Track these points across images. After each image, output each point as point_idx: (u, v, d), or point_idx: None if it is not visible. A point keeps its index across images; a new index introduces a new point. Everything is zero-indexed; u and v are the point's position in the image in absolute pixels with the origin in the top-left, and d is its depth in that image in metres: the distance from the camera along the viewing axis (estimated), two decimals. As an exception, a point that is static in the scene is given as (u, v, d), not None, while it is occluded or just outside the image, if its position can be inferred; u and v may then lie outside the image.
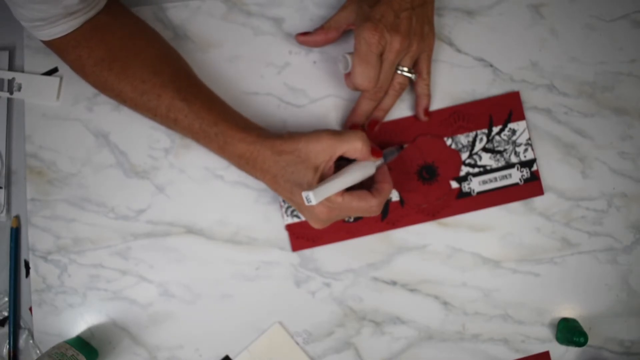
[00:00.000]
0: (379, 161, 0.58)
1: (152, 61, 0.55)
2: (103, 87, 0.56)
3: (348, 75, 0.58)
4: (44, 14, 0.50)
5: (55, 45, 0.54)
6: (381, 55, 0.55)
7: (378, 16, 0.54)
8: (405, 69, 0.58)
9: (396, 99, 0.60)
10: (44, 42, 0.54)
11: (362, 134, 0.54)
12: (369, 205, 0.54)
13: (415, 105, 0.62)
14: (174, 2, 0.64)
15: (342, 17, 0.60)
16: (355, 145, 0.53)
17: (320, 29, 0.61)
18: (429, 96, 0.61)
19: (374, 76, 0.56)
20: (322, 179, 0.53)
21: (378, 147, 0.57)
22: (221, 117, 0.55)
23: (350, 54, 0.58)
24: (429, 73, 0.60)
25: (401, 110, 0.63)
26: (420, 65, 0.60)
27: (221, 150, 0.55)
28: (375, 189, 0.56)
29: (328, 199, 0.53)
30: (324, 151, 0.53)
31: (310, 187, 0.52)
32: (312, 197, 0.49)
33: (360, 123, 0.61)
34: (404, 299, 0.62)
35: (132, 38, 0.56)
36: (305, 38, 0.62)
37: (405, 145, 0.62)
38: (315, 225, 0.56)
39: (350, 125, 0.61)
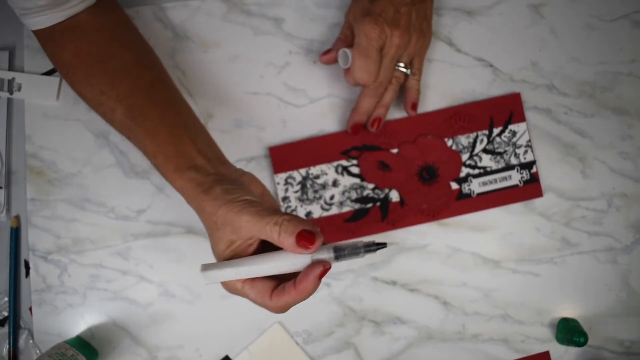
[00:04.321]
0: (321, 255, 0.43)
1: (114, 72, 0.53)
2: (70, 85, 0.54)
3: (348, 71, 0.58)
4: (30, 3, 0.49)
5: (38, 36, 0.53)
6: (381, 50, 0.55)
7: (378, 11, 0.54)
8: (402, 64, 0.58)
9: (395, 94, 0.60)
10: (32, 31, 0.53)
11: (285, 220, 0.42)
12: (264, 305, 0.45)
13: (405, 99, 0.62)
14: (173, 2, 0.64)
15: (346, 28, 0.61)
16: (271, 236, 0.42)
17: (334, 46, 0.61)
18: (418, 91, 0.61)
19: (375, 70, 0.55)
20: (237, 256, 0.46)
21: (317, 235, 0.42)
22: (161, 150, 0.50)
23: (349, 48, 0.57)
24: (421, 69, 0.60)
25: (401, 110, 0.63)
26: (415, 61, 0.60)
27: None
28: (281, 289, 0.44)
29: (229, 286, 0.46)
30: (241, 230, 0.44)
31: (209, 265, 0.45)
32: (202, 277, 0.44)
33: (362, 122, 0.61)
34: (404, 299, 0.62)
35: (102, 45, 0.53)
36: (327, 57, 0.61)
37: (387, 244, 0.44)
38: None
39: (352, 125, 0.61)
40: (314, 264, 0.42)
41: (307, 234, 0.42)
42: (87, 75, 0.52)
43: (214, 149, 0.52)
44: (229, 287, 0.45)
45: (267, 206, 0.44)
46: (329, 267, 0.43)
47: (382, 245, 0.43)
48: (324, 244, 0.43)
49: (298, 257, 0.43)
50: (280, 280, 0.45)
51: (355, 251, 0.43)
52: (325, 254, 0.43)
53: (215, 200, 0.45)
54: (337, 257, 0.43)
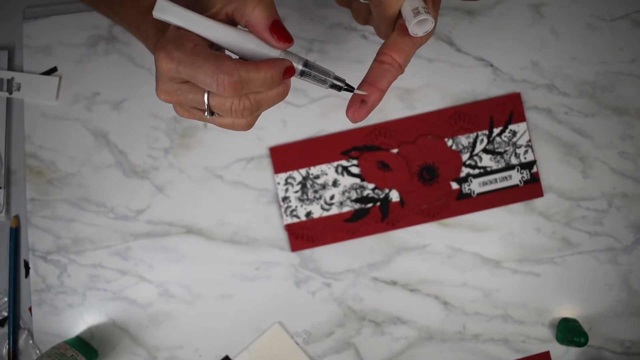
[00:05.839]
0: (291, 58, 0.38)
1: None
2: None
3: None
4: None
5: None
6: None
7: None
8: None
9: None
10: None
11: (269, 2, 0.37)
12: (218, 66, 0.35)
13: None
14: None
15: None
16: (246, 7, 0.36)
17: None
18: None
19: None
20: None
21: (289, 36, 0.37)
22: None
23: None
24: None
25: (401, 110, 0.63)
26: None
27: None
28: (239, 61, 0.36)
29: (177, 41, 0.36)
30: None
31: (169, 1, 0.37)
32: (157, 5, 0.36)
33: None
34: (404, 299, 0.62)
35: None
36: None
37: (359, 91, 0.40)
38: (157, 91, 0.39)
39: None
40: (281, 59, 0.37)
41: (284, 29, 0.37)
42: None
43: None
44: (177, 52, 0.36)
45: None
46: (294, 73, 0.38)
47: (350, 88, 0.40)
48: None
49: (265, 47, 0.38)
50: None
51: (322, 75, 0.39)
52: (294, 61, 0.38)
53: None
54: (304, 73, 0.39)
